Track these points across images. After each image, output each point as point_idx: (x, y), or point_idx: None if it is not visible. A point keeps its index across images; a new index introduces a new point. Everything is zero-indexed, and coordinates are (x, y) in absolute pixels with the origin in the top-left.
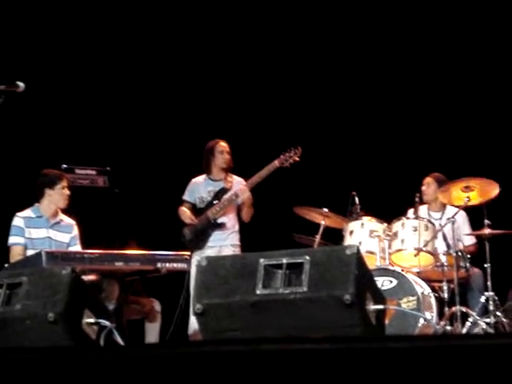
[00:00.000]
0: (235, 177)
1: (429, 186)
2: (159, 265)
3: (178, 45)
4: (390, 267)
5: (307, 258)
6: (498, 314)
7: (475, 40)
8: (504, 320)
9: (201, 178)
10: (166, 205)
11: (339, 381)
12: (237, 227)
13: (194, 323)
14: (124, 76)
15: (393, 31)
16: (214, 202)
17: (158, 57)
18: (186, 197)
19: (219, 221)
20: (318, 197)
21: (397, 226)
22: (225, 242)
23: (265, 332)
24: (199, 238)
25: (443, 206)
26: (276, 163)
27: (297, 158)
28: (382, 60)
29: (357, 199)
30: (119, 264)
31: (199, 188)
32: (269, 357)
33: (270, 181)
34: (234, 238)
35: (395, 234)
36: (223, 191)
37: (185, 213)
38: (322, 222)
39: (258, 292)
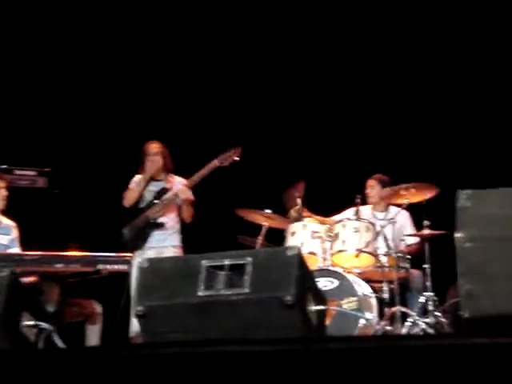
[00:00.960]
0: (176, 177)
1: (372, 188)
2: (100, 266)
3: (121, 47)
4: (332, 268)
5: (249, 259)
6: (438, 314)
7: (434, 46)
8: (443, 320)
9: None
10: (107, 206)
11: (280, 382)
12: (178, 228)
13: (135, 325)
14: (64, 76)
15: (353, 33)
16: (155, 202)
17: (100, 58)
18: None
19: (159, 221)
20: (261, 197)
21: (338, 227)
22: (165, 243)
23: (207, 334)
24: (138, 237)
25: (387, 207)
26: (216, 162)
27: (236, 158)
28: (328, 60)
29: (299, 200)
30: (59, 266)
31: None
32: (211, 359)
33: (214, 181)
34: (175, 239)
35: (337, 235)
36: (164, 191)
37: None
38: (265, 224)
39: (199, 293)
